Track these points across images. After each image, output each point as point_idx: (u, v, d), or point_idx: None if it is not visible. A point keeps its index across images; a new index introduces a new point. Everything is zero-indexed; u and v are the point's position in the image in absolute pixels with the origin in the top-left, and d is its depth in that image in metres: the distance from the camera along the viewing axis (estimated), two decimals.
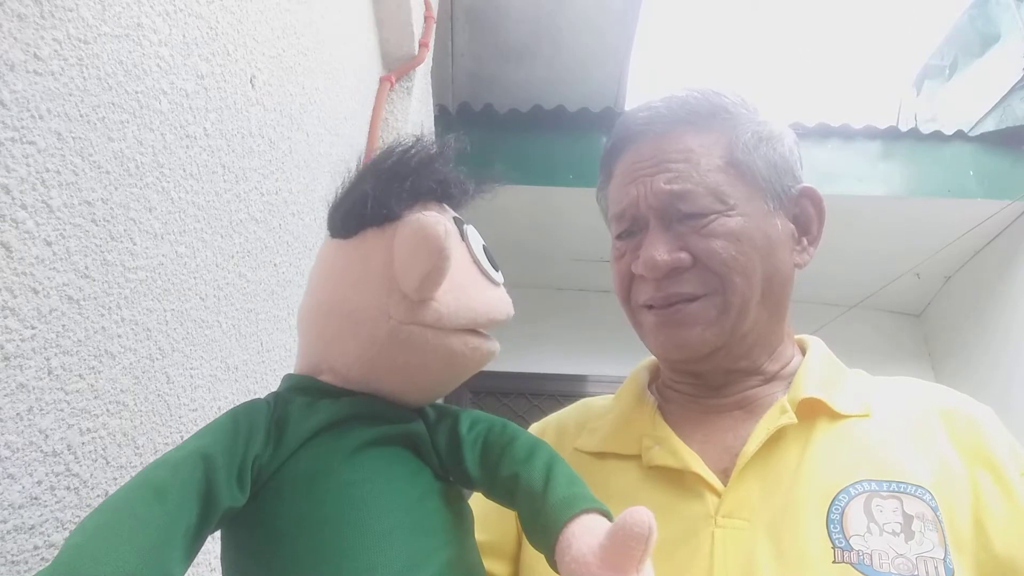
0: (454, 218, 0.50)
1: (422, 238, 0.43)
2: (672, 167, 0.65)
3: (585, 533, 0.39)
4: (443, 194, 0.50)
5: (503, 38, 2.70)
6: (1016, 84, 2.70)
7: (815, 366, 0.68)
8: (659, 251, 0.64)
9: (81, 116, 0.49)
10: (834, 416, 0.64)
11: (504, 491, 0.47)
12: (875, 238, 2.66)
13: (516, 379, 2.85)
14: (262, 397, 0.48)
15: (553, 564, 0.41)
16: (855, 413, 0.64)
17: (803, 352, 0.72)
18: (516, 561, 0.67)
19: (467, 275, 0.48)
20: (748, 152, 0.67)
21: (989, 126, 2.77)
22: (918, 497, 0.57)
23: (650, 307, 0.67)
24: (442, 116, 2.56)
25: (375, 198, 0.48)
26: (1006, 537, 0.56)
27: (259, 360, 0.87)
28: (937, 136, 2.70)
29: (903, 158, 2.66)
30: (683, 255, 0.64)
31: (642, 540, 0.35)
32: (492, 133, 2.65)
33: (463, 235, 0.49)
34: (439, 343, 0.46)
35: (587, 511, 0.41)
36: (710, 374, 0.68)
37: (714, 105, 0.68)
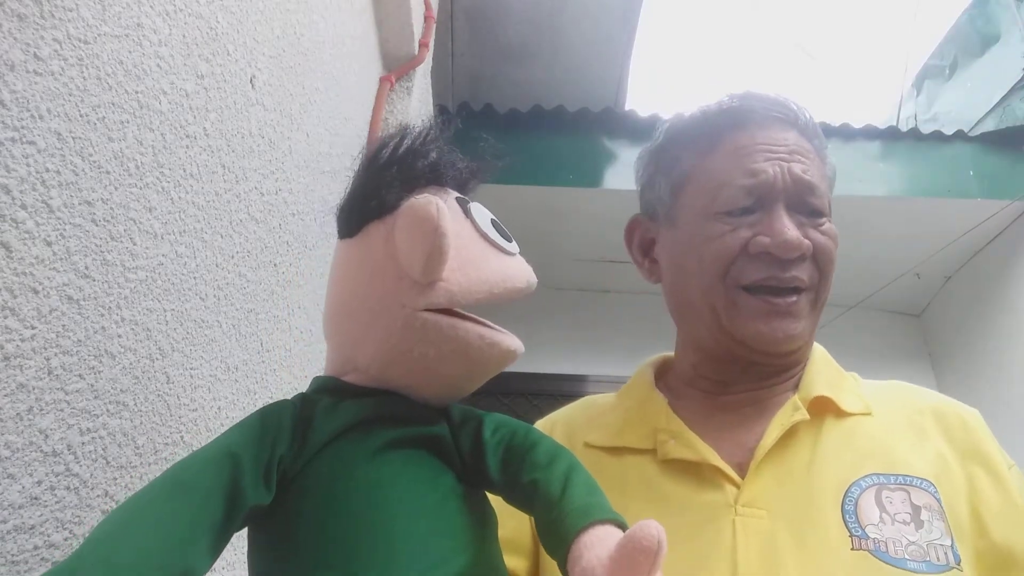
0: (457, 198, 0.50)
1: (416, 220, 0.43)
2: (803, 160, 0.68)
3: (596, 544, 0.39)
4: (435, 177, 0.50)
5: (503, 38, 2.70)
6: (1016, 84, 2.69)
7: (821, 367, 0.71)
8: (796, 233, 0.65)
9: (81, 116, 0.49)
10: (840, 414, 0.66)
11: (523, 497, 0.46)
12: (875, 238, 2.66)
13: (516, 379, 2.85)
14: (289, 398, 0.48)
15: (565, 574, 0.41)
16: (859, 411, 0.67)
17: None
18: (534, 556, 0.68)
19: (475, 250, 0.48)
20: (833, 175, 0.73)
21: (989, 126, 2.76)
22: (923, 489, 0.60)
23: (753, 291, 0.66)
24: (442, 116, 2.56)
25: (369, 192, 0.48)
26: (1002, 526, 0.60)
27: (259, 360, 0.87)
28: (937, 136, 2.70)
29: (903, 158, 2.66)
30: (809, 242, 0.66)
31: (650, 554, 0.35)
32: (492, 133, 2.64)
33: (467, 213, 0.49)
34: (454, 333, 0.46)
35: (601, 521, 0.40)
36: (757, 370, 0.70)
37: (816, 128, 0.73)
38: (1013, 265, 2.66)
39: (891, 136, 2.69)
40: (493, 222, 0.51)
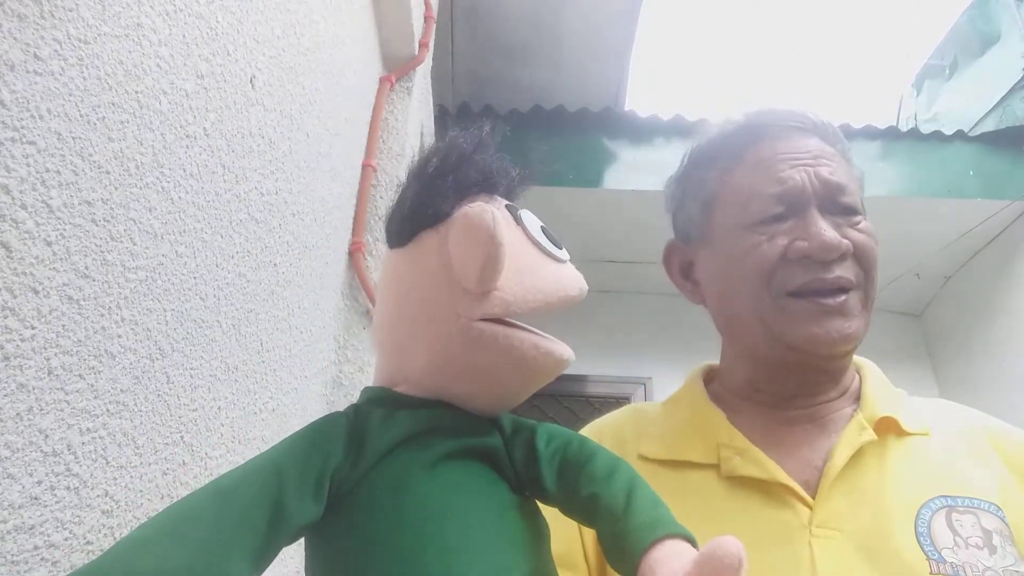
0: (507, 205, 0.50)
1: (471, 229, 0.43)
2: (827, 163, 0.69)
3: (670, 559, 0.37)
4: (488, 185, 0.49)
5: (503, 38, 2.70)
6: (1016, 84, 2.70)
7: (879, 385, 0.71)
8: (834, 233, 0.65)
9: (81, 116, 0.49)
10: (901, 433, 0.66)
11: (583, 510, 0.45)
12: None
13: None
14: (341, 410, 0.48)
15: None
16: (918, 431, 0.66)
17: (858, 372, 0.74)
18: (584, 571, 0.66)
19: (528, 258, 0.47)
20: (860, 180, 0.73)
21: (989, 126, 2.77)
22: (992, 513, 0.59)
23: (800, 295, 0.66)
24: (442, 116, 2.56)
25: (422, 200, 0.48)
26: None
27: (259, 360, 0.87)
28: (937, 136, 2.70)
29: (903, 158, 2.66)
30: (848, 242, 0.66)
31: (732, 571, 0.34)
32: (492, 133, 2.64)
33: (517, 220, 0.49)
34: (508, 344, 0.45)
35: (671, 536, 0.39)
36: (812, 377, 0.69)
37: (837, 132, 0.74)
38: (1013, 265, 2.66)
39: (891, 136, 2.70)
40: (543, 229, 0.50)
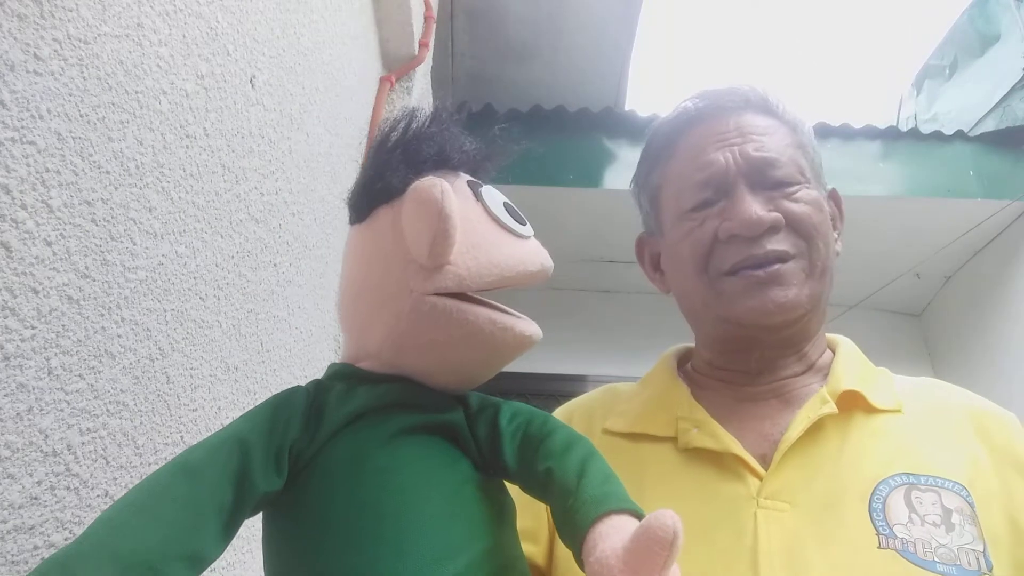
0: (469, 181, 0.50)
1: (420, 204, 0.43)
2: (756, 138, 0.69)
3: (612, 534, 0.38)
4: (441, 159, 0.49)
5: (503, 38, 2.70)
6: (1016, 84, 2.69)
7: (850, 361, 0.70)
8: (758, 208, 0.65)
9: (81, 116, 0.49)
10: (870, 410, 0.65)
11: (539, 485, 0.46)
12: (875, 238, 2.65)
13: (516, 379, 2.85)
14: (303, 384, 0.48)
15: (580, 563, 0.40)
16: (889, 408, 0.65)
17: (832, 349, 0.74)
18: (549, 544, 0.67)
19: (486, 234, 0.47)
20: (808, 140, 0.73)
21: (989, 126, 2.76)
22: (955, 492, 0.58)
23: (736, 273, 0.66)
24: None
25: (376, 175, 0.48)
26: None
27: (259, 360, 0.87)
28: (937, 136, 2.69)
29: (903, 158, 2.66)
30: (778, 215, 0.66)
31: (666, 545, 0.34)
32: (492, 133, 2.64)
33: (478, 196, 0.49)
34: (463, 318, 0.45)
35: (617, 511, 0.40)
36: (767, 351, 0.69)
37: (775, 100, 0.73)
38: (1013, 265, 2.65)
39: (891, 136, 2.69)
40: (506, 205, 0.50)
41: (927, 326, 3.19)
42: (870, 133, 2.69)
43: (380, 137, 0.50)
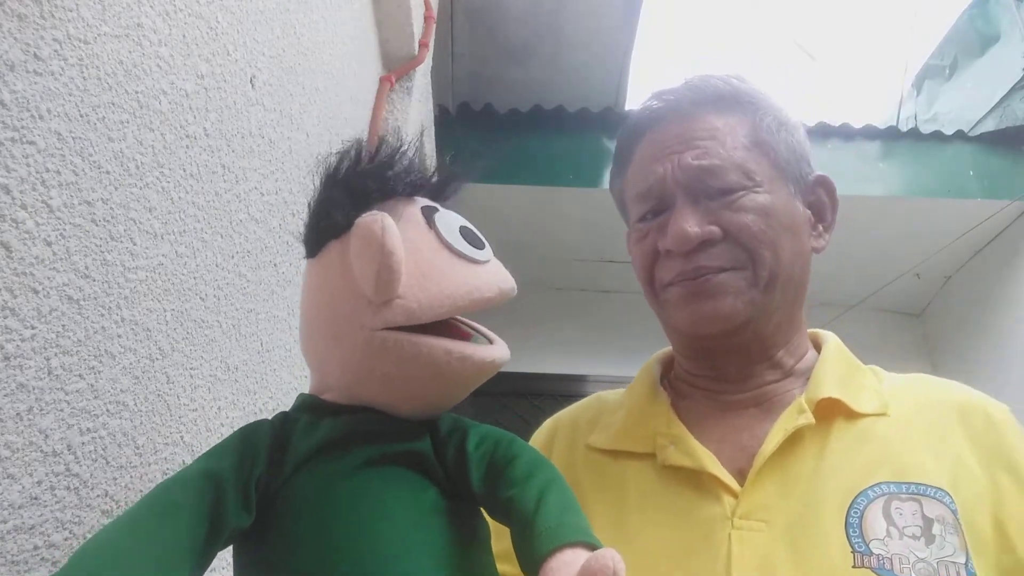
0: (424, 207, 0.49)
1: (361, 240, 0.42)
2: (699, 144, 0.66)
3: (561, 569, 0.37)
4: (386, 191, 0.48)
5: (503, 38, 2.70)
6: (1016, 84, 2.69)
7: (832, 364, 0.68)
8: (689, 223, 0.64)
9: (81, 116, 0.49)
10: (852, 415, 0.63)
11: (503, 513, 0.45)
12: (875, 238, 2.65)
13: (515, 379, 2.85)
14: (269, 418, 0.48)
15: None
16: (873, 412, 0.63)
17: (817, 348, 0.72)
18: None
19: (436, 263, 0.46)
20: (771, 134, 0.68)
21: (989, 126, 2.76)
22: (938, 500, 0.57)
23: (673, 284, 0.66)
24: (442, 116, 2.56)
25: (320, 210, 0.48)
26: None
27: (259, 360, 0.87)
28: (937, 136, 2.70)
29: (903, 158, 2.66)
30: (714, 228, 0.64)
31: None
32: (492, 133, 2.65)
33: (431, 223, 0.47)
34: (415, 351, 0.44)
35: (571, 544, 0.39)
36: (730, 360, 0.67)
37: (736, 89, 0.70)
38: (1013, 265, 2.65)
39: (891, 136, 2.69)
40: (463, 229, 0.48)
41: (927, 326, 3.19)
42: (870, 133, 2.69)
43: (326, 170, 0.49)
